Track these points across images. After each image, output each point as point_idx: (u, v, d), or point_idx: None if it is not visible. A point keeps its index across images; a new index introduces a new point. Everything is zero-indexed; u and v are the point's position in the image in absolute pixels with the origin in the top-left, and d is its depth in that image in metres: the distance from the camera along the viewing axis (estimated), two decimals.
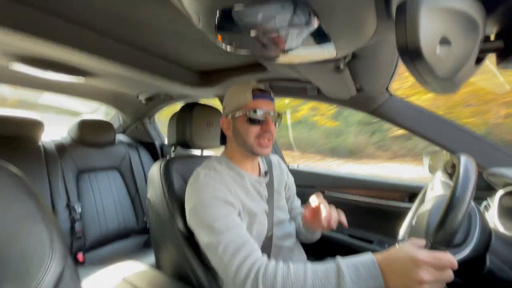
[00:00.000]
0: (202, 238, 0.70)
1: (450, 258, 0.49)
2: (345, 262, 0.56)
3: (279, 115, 0.85)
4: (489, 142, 0.96)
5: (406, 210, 0.90)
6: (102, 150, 1.78)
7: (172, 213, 0.87)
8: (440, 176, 0.88)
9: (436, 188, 0.84)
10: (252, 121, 0.79)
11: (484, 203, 0.86)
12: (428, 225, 0.66)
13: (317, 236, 0.96)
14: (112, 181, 1.79)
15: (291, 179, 1.06)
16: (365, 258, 0.55)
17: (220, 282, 0.83)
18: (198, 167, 0.82)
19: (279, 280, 0.57)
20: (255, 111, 0.78)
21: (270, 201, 0.89)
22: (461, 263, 0.59)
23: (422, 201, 0.86)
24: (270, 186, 0.92)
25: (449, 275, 0.49)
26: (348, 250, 1.35)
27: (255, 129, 0.79)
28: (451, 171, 0.85)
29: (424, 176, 1.14)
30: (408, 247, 0.53)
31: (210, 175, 0.76)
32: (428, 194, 0.86)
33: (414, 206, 0.89)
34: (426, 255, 0.49)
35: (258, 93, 0.80)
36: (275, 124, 0.83)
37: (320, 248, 1.21)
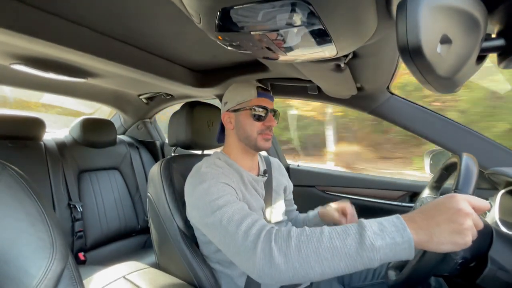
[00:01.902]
0: (206, 219, 0.67)
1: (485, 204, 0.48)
2: (370, 220, 0.52)
3: (276, 112, 0.89)
4: (491, 141, 0.95)
5: (408, 209, 0.90)
6: (103, 150, 1.79)
7: (172, 212, 0.87)
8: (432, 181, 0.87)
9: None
10: (256, 117, 0.83)
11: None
12: None
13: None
14: (113, 181, 1.79)
15: (290, 185, 1.07)
16: (388, 217, 0.52)
17: (220, 281, 0.83)
18: (197, 163, 0.84)
19: (293, 234, 0.54)
20: (259, 108, 0.83)
21: (267, 200, 0.89)
22: (462, 262, 0.59)
23: (422, 202, 0.86)
24: (268, 185, 0.92)
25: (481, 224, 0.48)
26: None
27: (258, 125, 0.83)
28: (449, 171, 0.84)
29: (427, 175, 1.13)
30: (444, 199, 0.49)
31: (211, 167, 0.78)
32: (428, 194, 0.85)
33: (415, 205, 0.89)
34: (466, 200, 0.47)
35: (261, 91, 0.85)
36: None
37: None
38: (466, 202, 0.47)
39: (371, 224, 0.50)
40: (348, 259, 0.49)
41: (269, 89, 0.88)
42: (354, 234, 0.50)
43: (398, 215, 0.51)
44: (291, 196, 1.08)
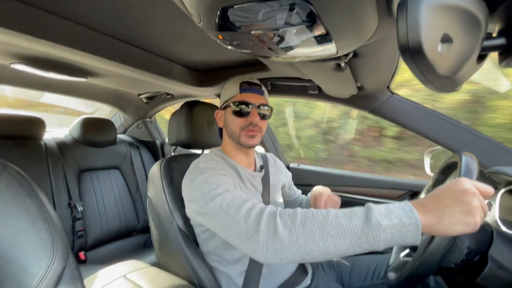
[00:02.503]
0: (205, 208, 0.67)
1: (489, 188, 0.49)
2: (377, 204, 0.52)
3: (268, 108, 0.87)
4: (491, 140, 0.95)
5: None
6: (103, 149, 1.79)
7: (172, 211, 0.88)
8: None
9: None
10: (237, 113, 0.82)
11: (486, 201, 0.86)
12: None
13: None
14: (114, 180, 1.79)
15: (289, 176, 1.10)
16: (397, 202, 0.52)
17: (220, 280, 0.84)
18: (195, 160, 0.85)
19: (299, 212, 0.54)
20: (240, 104, 0.82)
21: (265, 195, 0.90)
22: (463, 262, 0.59)
23: None
24: (265, 181, 0.93)
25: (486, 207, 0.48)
26: None
27: (239, 121, 0.83)
28: (445, 175, 0.84)
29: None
30: (450, 183, 0.50)
31: (209, 162, 0.79)
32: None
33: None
34: (472, 184, 0.48)
35: (246, 86, 0.84)
36: (264, 117, 0.85)
37: None
38: (471, 183, 0.48)
39: (378, 207, 0.50)
40: (353, 237, 0.48)
41: (262, 85, 0.87)
42: (360, 214, 0.50)
43: (406, 200, 0.51)
44: (293, 187, 1.12)
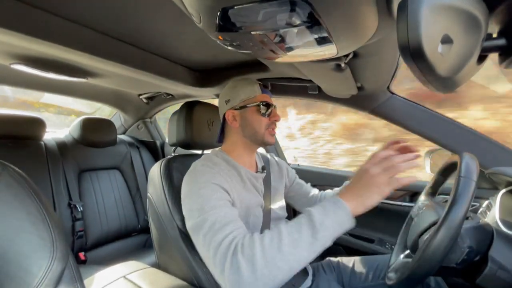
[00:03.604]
0: (191, 221, 0.68)
1: (379, 152, 0.61)
2: (314, 206, 0.61)
3: (275, 108, 0.91)
4: (491, 140, 0.95)
5: (408, 209, 0.90)
6: (103, 150, 1.79)
7: (172, 212, 0.87)
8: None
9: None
10: (263, 112, 0.84)
11: (486, 202, 0.86)
12: (426, 228, 0.66)
13: None
14: (114, 181, 1.79)
15: (291, 172, 1.09)
16: (329, 199, 0.62)
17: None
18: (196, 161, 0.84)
19: (257, 241, 0.57)
20: (264, 104, 0.85)
21: (266, 196, 0.90)
22: (464, 261, 0.59)
23: (419, 207, 0.86)
24: (267, 181, 0.93)
25: (394, 162, 0.58)
26: (348, 249, 1.35)
27: (265, 120, 0.85)
28: (445, 176, 0.84)
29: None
30: (358, 171, 0.62)
31: (207, 165, 0.78)
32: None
33: (415, 206, 0.89)
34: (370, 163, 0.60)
35: (262, 88, 0.88)
36: None
37: None
38: (369, 163, 0.61)
39: (316, 209, 0.59)
40: (309, 246, 0.55)
41: (269, 88, 0.89)
42: (306, 222, 0.57)
43: (335, 195, 0.62)
44: (298, 181, 1.11)
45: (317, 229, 0.55)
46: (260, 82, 0.88)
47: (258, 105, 0.84)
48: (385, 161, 0.59)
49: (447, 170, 0.79)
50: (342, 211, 0.57)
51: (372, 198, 0.58)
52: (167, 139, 2.15)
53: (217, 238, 0.61)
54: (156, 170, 0.96)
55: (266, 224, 0.85)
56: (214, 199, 0.68)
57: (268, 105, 0.85)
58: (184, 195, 0.75)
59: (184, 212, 0.74)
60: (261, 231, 0.82)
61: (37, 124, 1.54)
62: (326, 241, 0.56)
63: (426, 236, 0.65)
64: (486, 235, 0.60)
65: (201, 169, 0.76)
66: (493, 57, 0.38)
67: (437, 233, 0.53)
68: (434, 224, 0.64)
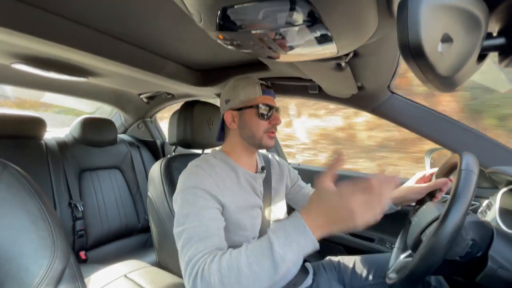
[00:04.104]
0: (175, 227, 0.68)
1: (369, 180, 0.51)
2: (275, 227, 0.56)
3: (277, 110, 0.87)
4: (491, 140, 0.95)
5: (408, 209, 0.90)
6: (104, 149, 1.79)
7: (172, 211, 0.88)
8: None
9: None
10: (262, 115, 0.81)
11: (486, 201, 0.86)
12: (429, 223, 0.66)
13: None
14: (114, 180, 1.80)
15: (294, 173, 1.07)
16: (294, 217, 0.55)
17: None
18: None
19: (215, 269, 0.55)
20: (265, 106, 0.81)
21: (266, 197, 0.88)
22: (468, 254, 0.59)
23: (418, 208, 0.86)
24: (266, 183, 0.91)
25: (380, 193, 0.50)
26: (348, 248, 1.35)
27: (264, 124, 0.82)
28: (447, 172, 0.84)
29: None
30: (322, 191, 0.54)
31: (201, 166, 0.76)
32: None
33: (414, 206, 0.89)
34: (347, 186, 0.53)
35: (265, 89, 0.83)
36: None
37: (320, 247, 1.21)
38: (337, 195, 0.53)
39: (277, 238, 0.53)
40: (269, 279, 0.52)
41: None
42: (267, 253, 0.53)
43: (298, 216, 0.54)
44: (299, 183, 1.07)
45: (278, 264, 0.52)
46: (263, 82, 0.84)
47: (258, 108, 0.80)
48: (371, 190, 0.50)
49: (448, 170, 0.80)
50: (306, 240, 0.52)
51: (344, 228, 0.52)
52: (167, 139, 2.16)
53: (190, 254, 0.61)
54: (156, 170, 0.96)
55: (265, 226, 0.84)
56: (201, 208, 0.68)
57: (269, 108, 0.81)
58: (174, 195, 0.75)
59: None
60: (260, 233, 0.82)
61: (38, 124, 1.54)
62: (288, 272, 0.54)
63: (428, 231, 0.65)
64: (487, 231, 0.61)
65: (194, 170, 0.75)
66: (493, 56, 0.38)
67: (442, 223, 0.53)
68: (436, 219, 0.65)
